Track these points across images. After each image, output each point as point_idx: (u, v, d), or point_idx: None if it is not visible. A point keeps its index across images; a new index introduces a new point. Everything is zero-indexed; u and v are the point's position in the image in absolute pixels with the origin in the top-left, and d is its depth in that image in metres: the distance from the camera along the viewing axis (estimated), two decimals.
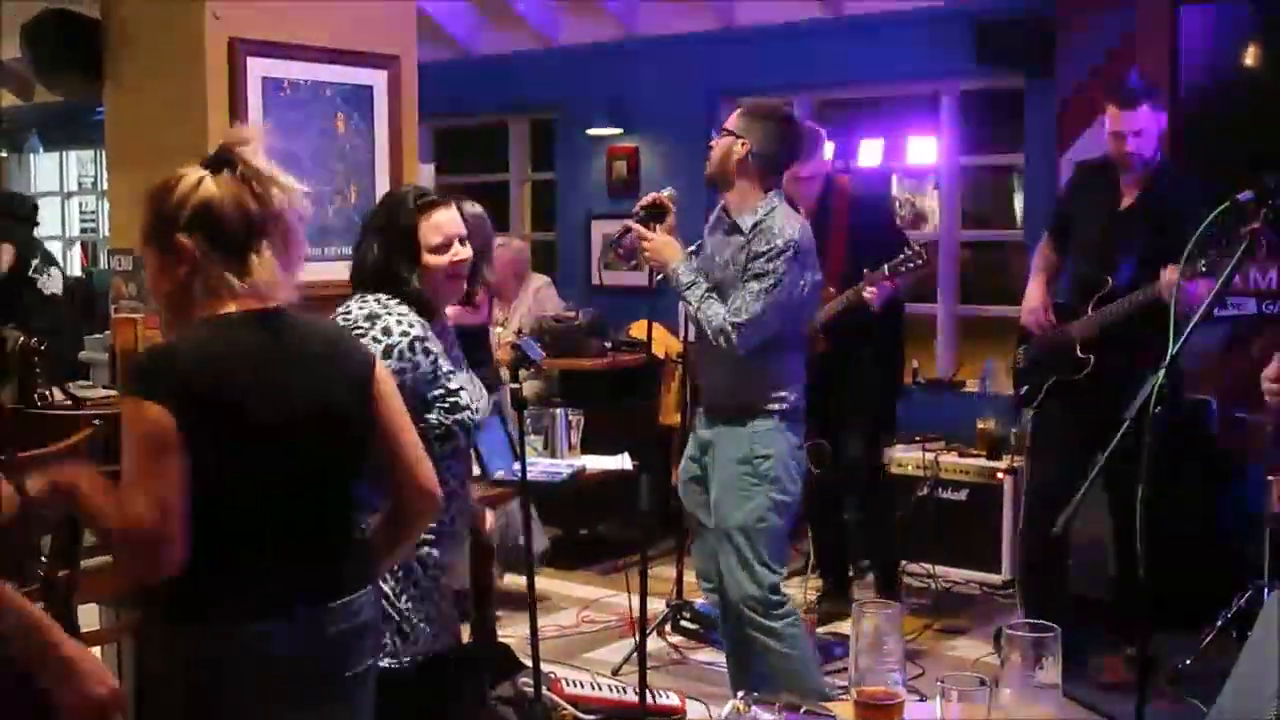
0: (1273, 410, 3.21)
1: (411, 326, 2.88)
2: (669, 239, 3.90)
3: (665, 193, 3.95)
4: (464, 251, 2.99)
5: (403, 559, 2.75)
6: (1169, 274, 4.19)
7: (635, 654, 3.91)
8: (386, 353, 2.81)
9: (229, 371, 2.10)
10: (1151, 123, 4.49)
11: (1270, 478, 3.30)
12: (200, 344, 2.11)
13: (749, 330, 3.75)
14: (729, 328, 3.76)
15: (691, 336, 4.54)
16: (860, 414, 5.35)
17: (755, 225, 3.81)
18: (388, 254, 2.96)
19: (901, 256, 4.90)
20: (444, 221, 2.98)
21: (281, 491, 2.16)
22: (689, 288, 3.83)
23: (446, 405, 2.90)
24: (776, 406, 3.89)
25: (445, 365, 2.93)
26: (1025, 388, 4.82)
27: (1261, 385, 3.14)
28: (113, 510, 2.06)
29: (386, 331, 2.85)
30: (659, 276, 3.94)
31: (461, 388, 2.95)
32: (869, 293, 4.98)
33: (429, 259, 2.94)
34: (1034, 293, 4.81)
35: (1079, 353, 4.55)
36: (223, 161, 2.14)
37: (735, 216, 3.87)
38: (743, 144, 3.84)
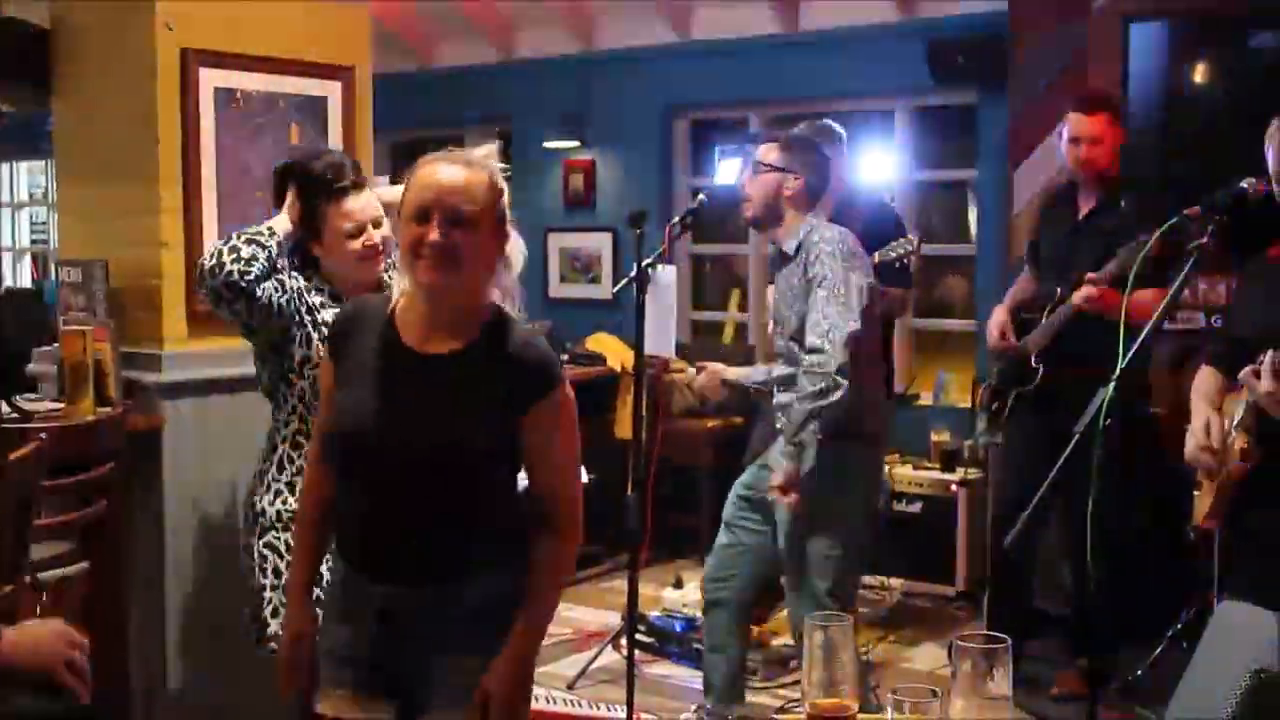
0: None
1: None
2: (709, 366, 4.18)
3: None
4: (375, 235, 3.13)
5: None
6: (1085, 288, 4.32)
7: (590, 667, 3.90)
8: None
9: None
10: (1108, 133, 4.55)
11: (1196, 492, 3.35)
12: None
13: (839, 339, 3.70)
14: (824, 346, 3.70)
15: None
16: None
17: (798, 248, 3.85)
18: (303, 238, 3.19)
19: (891, 244, 4.78)
20: (355, 209, 3.10)
21: None
22: (765, 378, 3.98)
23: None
24: (856, 430, 3.85)
25: (282, 265, 3.15)
26: (994, 405, 4.84)
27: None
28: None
29: None
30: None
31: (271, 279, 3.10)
32: None
33: (342, 244, 3.09)
34: (997, 311, 4.87)
35: (1032, 363, 4.60)
36: None
37: (783, 246, 3.92)
38: (796, 179, 3.87)
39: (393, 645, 2.42)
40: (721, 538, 4.14)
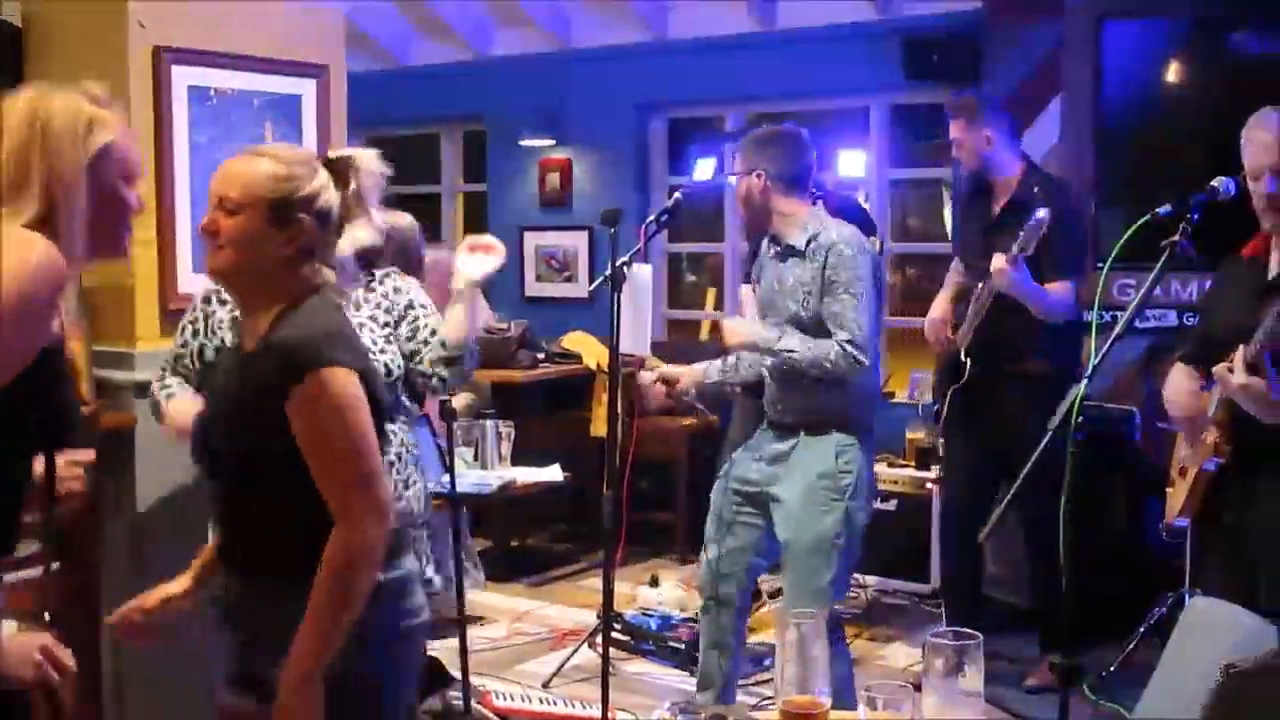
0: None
1: None
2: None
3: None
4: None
5: None
6: (996, 261, 4.38)
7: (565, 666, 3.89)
8: None
9: (356, 337, 2.42)
10: (965, 136, 4.70)
11: (1169, 489, 3.38)
12: (334, 317, 2.35)
13: (866, 341, 3.70)
14: (851, 350, 3.67)
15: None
16: None
17: (810, 241, 3.81)
18: None
19: None
20: None
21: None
22: (783, 339, 3.75)
23: None
24: (858, 421, 3.84)
25: None
26: (936, 405, 4.90)
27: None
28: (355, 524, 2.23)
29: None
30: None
31: None
32: None
33: None
34: (935, 307, 4.94)
35: (961, 359, 4.65)
36: (342, 176, 2.41)
37: (787, 240, 3.87)
38: (758, 175, 3.87)
39: (240, 639, 2.42)
40: (723, 536, 4.02)
